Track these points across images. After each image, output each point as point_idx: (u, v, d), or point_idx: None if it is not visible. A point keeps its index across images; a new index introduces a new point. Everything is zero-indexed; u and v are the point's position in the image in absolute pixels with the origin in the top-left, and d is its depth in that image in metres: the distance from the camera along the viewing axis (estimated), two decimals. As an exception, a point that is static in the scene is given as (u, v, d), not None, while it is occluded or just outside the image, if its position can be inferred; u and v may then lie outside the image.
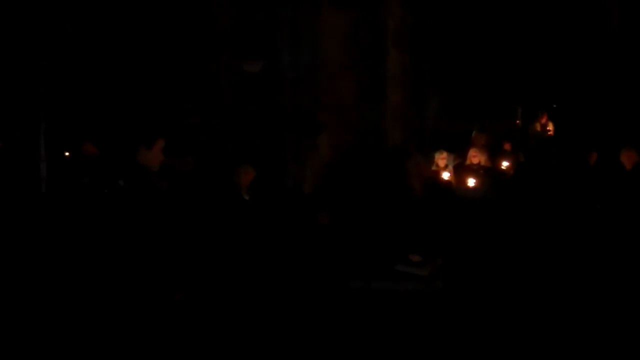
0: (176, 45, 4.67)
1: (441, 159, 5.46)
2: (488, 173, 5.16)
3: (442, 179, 5.22)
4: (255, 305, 3.67)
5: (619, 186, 5.08)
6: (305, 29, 4.75)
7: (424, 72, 5.63)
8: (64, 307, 2.89)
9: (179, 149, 3.54)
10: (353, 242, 4.25)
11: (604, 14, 6.90)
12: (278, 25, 4.76)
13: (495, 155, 5.71)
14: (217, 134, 4.53)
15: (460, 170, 5.36)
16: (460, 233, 4.53)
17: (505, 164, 5.57)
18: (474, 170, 5.31)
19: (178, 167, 3.80)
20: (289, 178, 4.65)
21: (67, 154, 4.04)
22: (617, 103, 6.71)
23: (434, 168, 5.46)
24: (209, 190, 3.96)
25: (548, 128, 6.94)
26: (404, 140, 5.18)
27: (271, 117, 4.73)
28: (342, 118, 4.92)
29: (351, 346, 3.46)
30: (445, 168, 5.52)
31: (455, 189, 5.22)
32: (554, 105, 6.85)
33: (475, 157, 5.11)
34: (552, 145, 6.59)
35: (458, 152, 5.23)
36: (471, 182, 5.25)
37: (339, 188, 4.62)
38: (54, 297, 2.90)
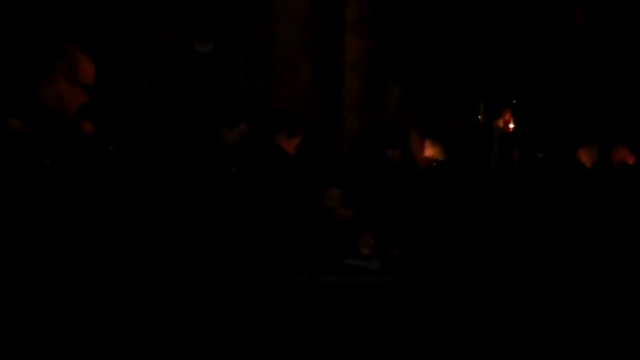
0: (122, 19, 4.56)
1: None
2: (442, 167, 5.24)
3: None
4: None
5: (579, 186, 5.11)
6: (260, 9, 4.74)
7: (385, 59, 5.66)
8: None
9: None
10: (300, 234, 4.19)
11: (568, 7, 7.05)
12: (231, 4, 4.71)
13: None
14: (163, 114, 4.43)
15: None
16: (423, 223, 4.63)
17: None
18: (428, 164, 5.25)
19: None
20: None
21: None
22: (582, 99, 6.83)
23: None
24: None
25: (510, 125, 7.08)
26: (361, 129, 5.25)
27: (222, 101, 4.65)
28: (296, 104, 4.87)
29: (299, 340, 3.53)
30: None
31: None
32: (514, 101, 6.98)
33: (429, 149, 5.14)
34: (512, 143, 6.73)
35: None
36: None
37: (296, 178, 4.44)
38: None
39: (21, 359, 2.24)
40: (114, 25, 4.48)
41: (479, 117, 7.32)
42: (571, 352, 3.51)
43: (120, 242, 2.95)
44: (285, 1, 4.83)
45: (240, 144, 4.16)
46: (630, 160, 5.20)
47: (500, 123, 7.28)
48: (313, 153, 4.52)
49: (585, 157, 5.20)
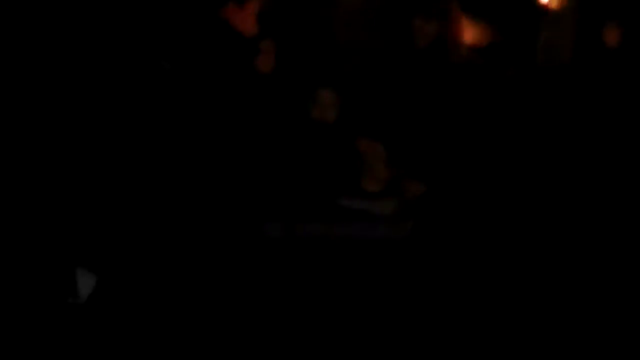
0: None
1: None
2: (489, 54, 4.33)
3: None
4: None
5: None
6: None
7: None
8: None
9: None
10: (270, 161, 3.50)
11: None
12: None
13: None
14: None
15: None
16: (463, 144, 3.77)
17: None
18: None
19: None
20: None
21: None
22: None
23: None
24: None
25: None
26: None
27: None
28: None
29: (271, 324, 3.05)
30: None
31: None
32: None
33: (475, 31, 4.13)
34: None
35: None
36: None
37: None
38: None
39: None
40: None
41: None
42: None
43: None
44: None
45: (173, 24, 3.57)
46: None
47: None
48: (287, 31, 3.75)
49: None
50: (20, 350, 2.85)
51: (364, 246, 3.36)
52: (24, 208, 3.08)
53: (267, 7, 3.55)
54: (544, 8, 5.52)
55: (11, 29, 3.54)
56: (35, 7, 3.43)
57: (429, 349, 3.13)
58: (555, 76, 4.41)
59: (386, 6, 3.97)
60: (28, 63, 3.38)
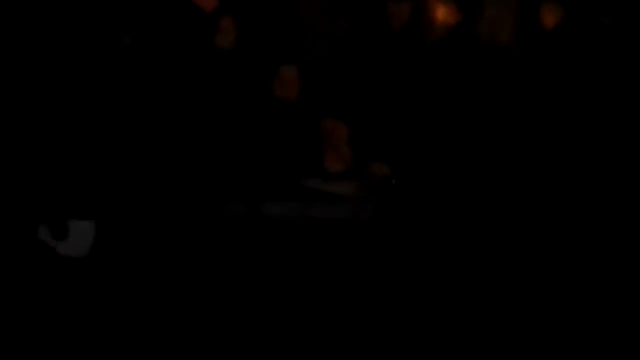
0: None
1: None
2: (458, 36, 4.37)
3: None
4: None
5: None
6: None
7: None
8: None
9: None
10: (233, 141, 3.45)
11: None
12: None
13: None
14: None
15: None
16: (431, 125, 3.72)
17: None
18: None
19: None
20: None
21: None
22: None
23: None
24: None
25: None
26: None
27: None
28: None
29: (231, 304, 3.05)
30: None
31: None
32: None
33: (440, 7, 4.14)
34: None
35: None
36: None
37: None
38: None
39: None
40: None
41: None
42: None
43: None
44: None
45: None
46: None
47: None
48: (248, 6, 3.60)
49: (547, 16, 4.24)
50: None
51: (324, 227, 3.35)
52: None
53: None
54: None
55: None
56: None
57: (392, 329, 3.14)
58: (495, 59, 4.48)
59: None
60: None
